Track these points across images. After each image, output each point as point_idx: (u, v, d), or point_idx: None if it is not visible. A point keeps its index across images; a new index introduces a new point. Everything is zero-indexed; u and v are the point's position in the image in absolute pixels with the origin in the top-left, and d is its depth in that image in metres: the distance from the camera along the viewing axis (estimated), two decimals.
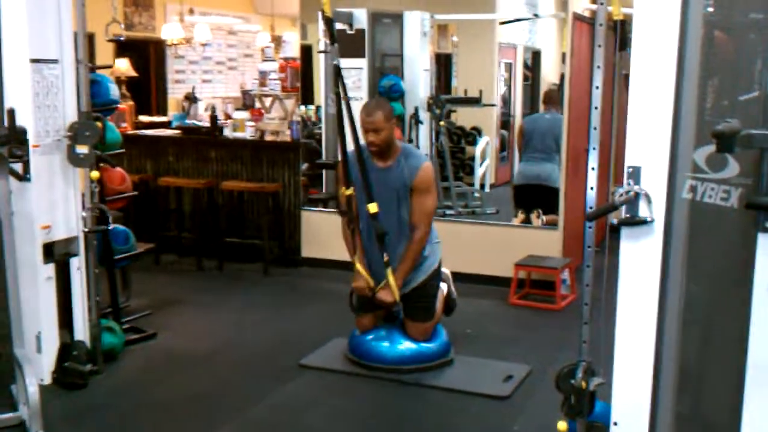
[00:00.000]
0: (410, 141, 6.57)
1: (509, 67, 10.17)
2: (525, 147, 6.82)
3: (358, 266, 4.25)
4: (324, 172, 6.66)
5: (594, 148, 2.67)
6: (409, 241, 4.17)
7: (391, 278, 4.15)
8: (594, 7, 5.30)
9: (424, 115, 6.69)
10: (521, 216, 6.33)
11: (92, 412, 3.78)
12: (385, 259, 4.15)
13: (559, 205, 5.74)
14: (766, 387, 2.23)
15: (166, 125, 7.93)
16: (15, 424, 3.51)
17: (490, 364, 4.34)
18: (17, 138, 3.48)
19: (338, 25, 6.14)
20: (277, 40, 10.00)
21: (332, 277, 5.82)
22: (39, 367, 3.86)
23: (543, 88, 10.98)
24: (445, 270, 4.60)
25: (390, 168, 4.18)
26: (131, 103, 7.85)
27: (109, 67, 7.47)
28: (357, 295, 4.34)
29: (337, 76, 4.20)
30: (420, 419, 3.78)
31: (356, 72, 6.24)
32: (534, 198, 6.46)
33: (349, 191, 4.18)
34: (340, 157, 4.34)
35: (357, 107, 6.19)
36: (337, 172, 4.44)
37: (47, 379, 3.95)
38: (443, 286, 4.54)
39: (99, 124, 4.07)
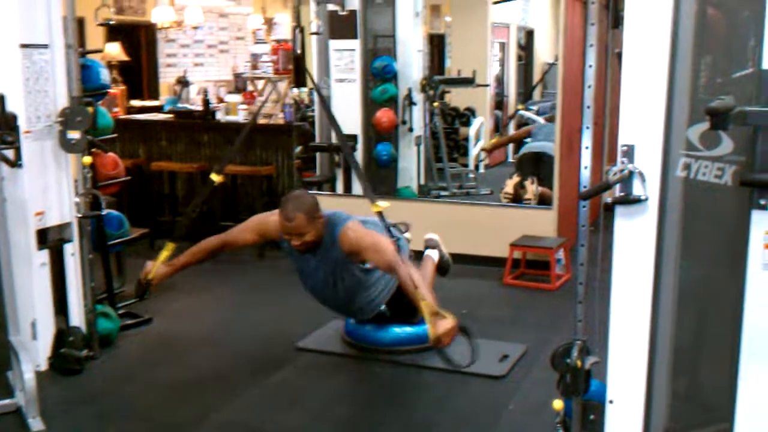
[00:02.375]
0: (404, 122, 6.56)
1: (503, 47, 10.16)
2: (532, 137, 7.02)
3: (167, 254, 3.93)
4: (318, 154, 6.65)
5: (588, 127, 2.66)
6: (400, 280, 3.56)
7: (426, 306, 3.28)
8: None
9: (418, 96, 6.67)
10: (516, 179, 6.32)
11: (88, 397, 3.79)
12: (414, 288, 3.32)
13: (554, 177, 5.72)
14: (761, 364, 2.24)
15: (158, 109, 7.89)
16: (11, 411, 3.52)
17: (486, 344, 4.30)
18: (8, 124, 3.47)
19: (330, 6, 6.12)
20: (269, 23, 9.94)
21: None
22: (35, 353, 3.85)
23: (537, 68, 11.00)
24: (433, 235, 4.59)
25: (320, 251, 3.87)
26: (123, 87, 7.82)
27: (100, 51, 7.41)
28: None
29: None
30: (417, 399, 3.79)
31: (349, 53, 6.22)
32: (533, 165, 6.50)
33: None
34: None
35: (349, 89, 6.26)
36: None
37: (43, 366, 3.95)
38: (433, 253, 4.53)
39: (90, 109, 4.04)
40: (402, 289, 3.60)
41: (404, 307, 4.25)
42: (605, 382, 2.57)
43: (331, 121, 4.11)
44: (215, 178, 3.78)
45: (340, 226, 3.81)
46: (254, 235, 4.02)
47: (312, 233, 3.75)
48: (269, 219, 3.95)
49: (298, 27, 4.19)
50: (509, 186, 6.31)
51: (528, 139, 7.37)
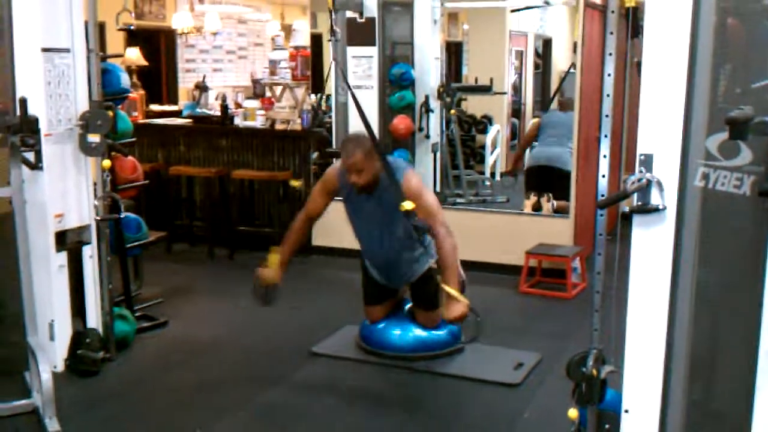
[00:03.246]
0: (420, 129, 6.57)
1: (520, 55, 10.14)
2: (539, 136, 6.88)
3: (274, 256, 4.09)
4: (334, 160, 6.66)
5: (606, 136, 2.65)
6: (438, 248, 3.94)
7: (448, 290, 3.80)
8: None
9: (435, 104, 6.67)
10: (533, 199, 6.30)
11: (105, 399, 3.81)
12: (438, 276, 3.93)
13: (569, 190, 5.71)
14: None
15: (177, 114, 7.93)
16: (28, 411, 3.55)
17: (501, 352, 4.34)
18: (29, 127, 3.49)
19: (348, 14, 6.14)
20: (287, 29, 9.98)
21: (342, 266, 5.82)
22: (52, 354, 3.89)
23: (554, 76, 10.97)
24: None
25: (377, 193, 4.04)
26: (142, 92, 7.87)
27: (120, 56, 7.47)
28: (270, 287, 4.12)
29: None
30: (431, 406, 3.79)
31: (367, 60, 6.23)
32: (544, 180, 6.46)
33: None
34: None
35: (367, 96, 6.27)
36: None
37: (60, 367, 3.98)
38: None
39: (110, 113, 4.08)
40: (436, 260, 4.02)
41: (425, 293, 4.26)
42: (621, 392, 2.56)
43: (365, 124, 4.23)
44: (295, 183, 3.91)
45: (402, 170, 4.00)
46: (324, 196, 4.23)
47: (369, 171, 3.95)
48: (328, 173, 4.25)
49: (333, 36, 4.54)
50: (527, 207, 6.31)
51: (535, 143, 7.24)
